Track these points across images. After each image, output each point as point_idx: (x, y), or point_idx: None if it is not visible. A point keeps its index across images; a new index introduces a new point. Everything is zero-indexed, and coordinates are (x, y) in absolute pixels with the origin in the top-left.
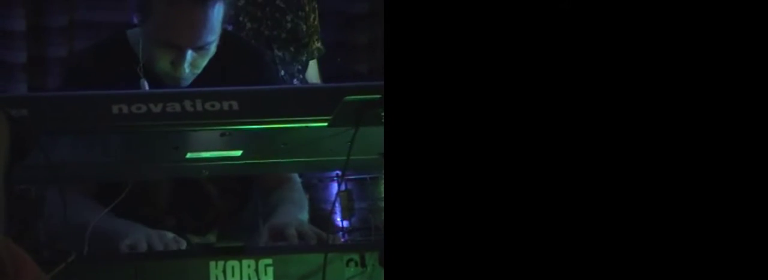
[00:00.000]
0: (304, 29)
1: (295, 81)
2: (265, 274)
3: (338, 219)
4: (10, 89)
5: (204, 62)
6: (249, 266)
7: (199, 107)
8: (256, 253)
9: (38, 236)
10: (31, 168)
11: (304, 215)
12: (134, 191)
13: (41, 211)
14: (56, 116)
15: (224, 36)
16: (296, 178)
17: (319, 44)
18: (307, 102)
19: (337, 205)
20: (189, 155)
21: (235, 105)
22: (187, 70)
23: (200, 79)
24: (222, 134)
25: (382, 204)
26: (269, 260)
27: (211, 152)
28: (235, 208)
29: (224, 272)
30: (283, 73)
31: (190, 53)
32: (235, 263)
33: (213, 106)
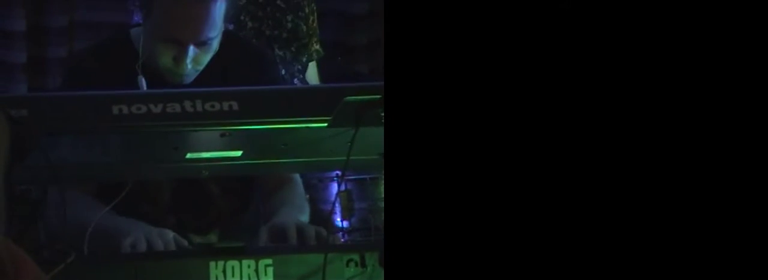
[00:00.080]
0: (305, 30)
1: (295, 81)
2: (265, 274)
3: (338, 219)
4: (10, 89)
5: (206, 59)
6: (249, 267)
7: (199, 108)
8: (256, 253)
9: (38, 237)
10: (31, 168)
11: (305, 218)
12: (136, 190)
13: (42, 211)
14: (56, 117)
15: (227, 36)
16: (297, 179)
17: (317, 46)
18: (307, 102)
19: (337, 205)
20: (189, 156)
21: (235, 105)
22: (189, 66)
23: (203, 79)
24: (222, 135)
25: (382, 204)
26: (269, 261)
27: (211, 153)
28: (236, 208)
29: (224, 272)
30: (284, 72)
31: (192, 49)
32: (235, 263)
33: (213, 106)
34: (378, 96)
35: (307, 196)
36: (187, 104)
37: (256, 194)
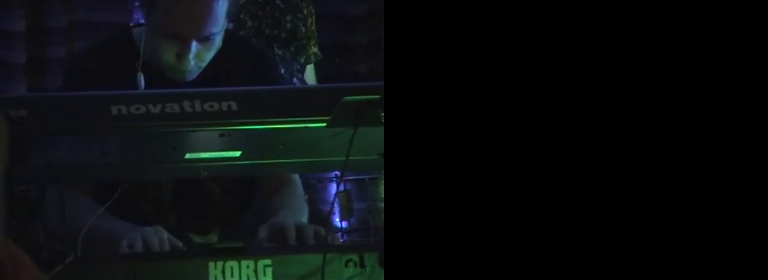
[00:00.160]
0: (303, 31)
1: (294, 80)
2: (264, 274)
3: (337, 220)
4: (10, 90)
5: (209, 55)
6: (248, 267)
7: (197, 108)
8: (255, 253)
9: (37, 237)
10: (30, 169)
11: (304, 220)
12: (136, 190)
13: (41, 212)
14: (55, 117)
15: (227, 35)
16: (297, 180)
17: (315, 49)
18: (306, 102)
19: (335, 205)
20: (188, 156)
21: (233, 105)
22: (192, 63)
23: (205, 79)
24: (221, 135)
25: (381, 205)
26: (268, 261)
27: (210, 153)
28: (237, 208)
29: (223, 272)
30: (283, 71)
31: (194, 45)
32: (234, 263)
33: (212, 106)
34: (377, 96)
35: (306, 196)
36: (186, 104)
37: (256, 195)
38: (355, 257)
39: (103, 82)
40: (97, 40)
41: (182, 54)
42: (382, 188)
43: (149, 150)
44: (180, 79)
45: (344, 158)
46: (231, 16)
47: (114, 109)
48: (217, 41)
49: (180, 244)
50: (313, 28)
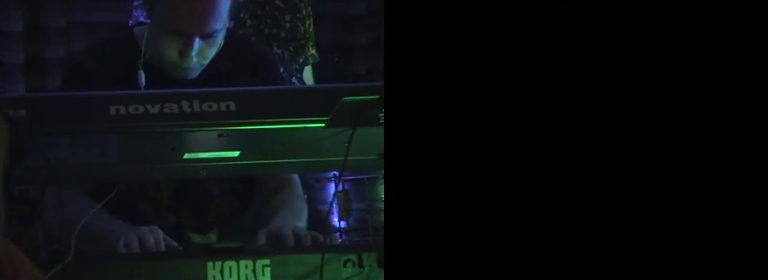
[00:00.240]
0: (302, 31)
1: (293, 80)
2: (263, 274)
3: (335, 220)
4: (8, 90)
5: (211, 53)
6: (246, 267)
7: (196, 108)
8: (254, 253)
9: (36, 237)
10: (29, 169)
11: (303, 223)
12: (136, 190)
13: (40, 212)
14: (54, 117)
15: (229, 35)
16: (296, 180)
17: (313, 51)
18: (304, 103)
19: (334, 205)
20: (186, 156)
21: (232, 106)
22: (194, 60)
23: (205, 79)
24: (219, 135)
25: (380, 205)
26: (267, 261)
27: (208, 153)
28: (236, 208)
29: (222, 272)
30: (282, 70)
31: (197, 41)
32: (232, 263)
33: (210, 106)
34: (376, 96)
35: (305, 196)
36: (185, 104)
37: (255, 195)
38: (353, 257)
39: (103, 82)
40: (97, 40)
41: (185, 51)
42: (380, 188)
43: (148, 150)
44: (182, 77)
45: (343, 158)
46: (232, 14)
47: (112, 110)
48: (220, 39)
49: (175, 244)
50: (311, 29)
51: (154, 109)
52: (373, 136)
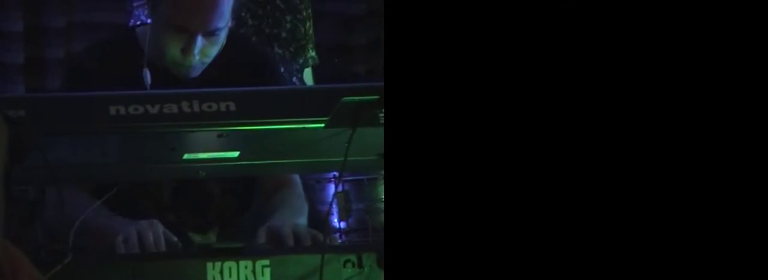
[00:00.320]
0: (303, 32)
1: (294, 80)
2: (263, 275)
3: (335, 220)
4: (8, 90)
5: (213, 51)
6: (246, 267)
7: (196, 108)
8: (254, 254)
9: (36, 237)
10: (29, 169)
11: (303, 221)
12: (137, 188)
13: (39, 212)
14: (54, 117)
15: (230, 35)
16: (297, 180)
17: (313, 53)
18: (304, 103)
19: (334, 206)
20: (186, 156)
21: (232, 106)
22: (197, 58)
23: (207, 78)
24: (219, 135)
25: (379, 205)
26: (266, 261)
27: (208, 153)
28: (236, 208)
29: (221, 272)
30: (283, 70)
31: (200, 39)
32: (232, 263)
33: (210, 107)
34: (376, 96)
35: (305, 196)
36: (184, 105)
37: (255, 194)
38: (353, 258)
39: (104, 82)
40: (99, 40)
41: (187, 49)
42: (380, 189)
43: (147, 150)
44: (184, 76)
45: (342, 159)
46: (234, 13)
47: (112, 110)
48: (222, 37)
49: (175, 239)
50: (311, 31)
51: (154, 110)
52: (373, 137)
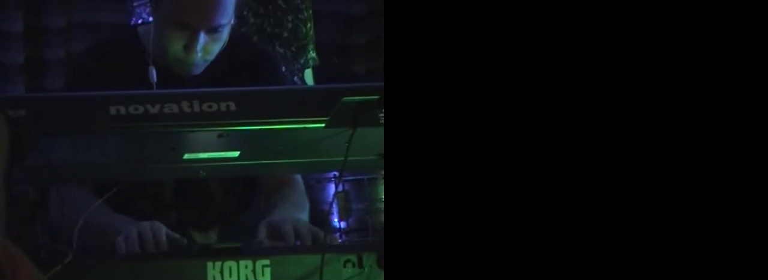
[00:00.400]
0: (304, 32)
1: (295, 79)
2: (263, 275)
3: (335, 220)
4: (8, 90)
5: (216, 48)
6: (246, 267)
7: (196, 108)
8: (254, 253)
9: (36, 237)
10: (29, 169)
11: (304, 216)
12: (138, 188)
13: (40, 211)
14: (54, 117)
15: (233, 34)
16: (299, 180)
17: (313, 54)
18: (304, 103)
19: (334, 206)
20: (186, 156)
21: (232, 106)
22: (199, 55)
23: (208, 77)
24: (219, 135)
25: (380, 205)
26: (266, 261)
27: (208, 153)
28: (237, 207)
29: (221, 272)
30: (284, 69)
31: (202, 36)
32: (232, 263)
33: (210, 107)
34: (376, 96)
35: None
36: (185, 105)
37: (257, 194)
38: (353, 258)
39: (106, 81)
40: (98, 40)
41: (190, 46)
42: (380, 189)
43: (148, 150)
44: (186, 73)
45: (343, 159)
46: (236, 11)
47: (112, 110)
48: (225, 35)
49: (177, 236)
50: (311, 32)
51: (154, 110)
52: (373, 137)
